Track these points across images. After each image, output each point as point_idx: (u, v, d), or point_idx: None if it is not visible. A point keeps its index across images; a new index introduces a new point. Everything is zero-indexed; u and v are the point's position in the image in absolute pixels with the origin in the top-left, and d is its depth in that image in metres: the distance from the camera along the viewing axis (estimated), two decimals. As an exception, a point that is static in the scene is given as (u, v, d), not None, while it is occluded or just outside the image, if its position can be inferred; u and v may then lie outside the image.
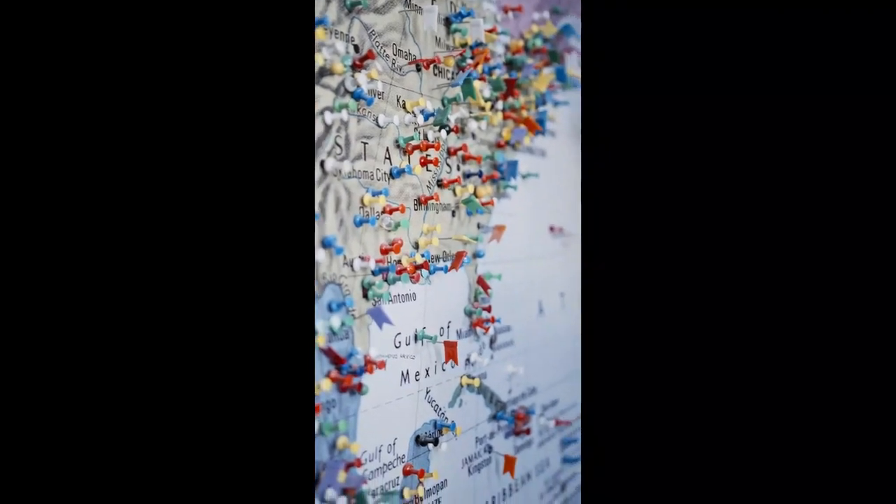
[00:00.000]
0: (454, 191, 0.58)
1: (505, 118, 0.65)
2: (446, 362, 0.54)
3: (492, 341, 0.62)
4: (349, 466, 0.44)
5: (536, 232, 0.71)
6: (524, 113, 0.67)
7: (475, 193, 0.61)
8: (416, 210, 0.53)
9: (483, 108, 0.60)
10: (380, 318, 0.45)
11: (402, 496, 0.50)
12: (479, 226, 0.61)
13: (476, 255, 0.60)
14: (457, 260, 0.54)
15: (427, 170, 0.55)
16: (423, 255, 0.52)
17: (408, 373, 0.51)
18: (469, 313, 0.59)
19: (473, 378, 0.58)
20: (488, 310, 0.60)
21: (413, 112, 0.52)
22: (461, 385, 0.58)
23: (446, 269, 0.54)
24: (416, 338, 0.52)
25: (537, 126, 0.65)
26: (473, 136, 0.61)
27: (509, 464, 0.61)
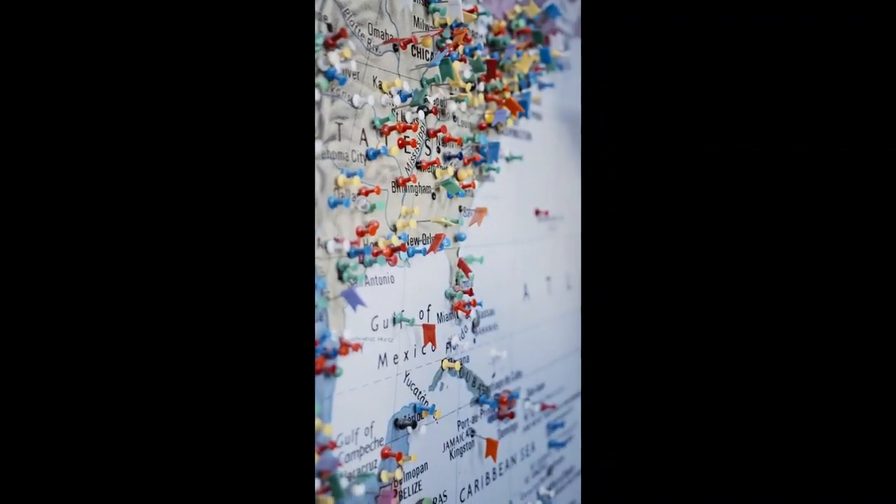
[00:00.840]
0: (434, 173, 0.58)
1: (487, 100, 0.65)
2: (425, 345, 0.54)
3: (474, 325, 0.62)
4: (323, 449, 0.44)
5: (521, 215, 0.70)
6: (507, 95, 0.66)
7: (456, 176, 0.60)
8: (393, 192, 0.53)
9: (463, 90, 0.60)
10: (353, 300, 0.45)
11: (379, 479, 0.50)
12: (460, 208, 0.61)
13: (457, 238, 0.60)
14: (435, 242, 0.54)
15: (405, 151, 0.55)
16: (400, 238, 0.51)
17: (386, 356, 0.51)
18: (450, 296, 0.59)
19: (454, 362, 0.58)
20: (469, 293, 0.60)
21: (390, 93, 0.52)
22: (442, 368, 0.58)
23: (425, 252, 0.54)
24: (394, 321, 0.52)
25: (520, 108, 0.65)
26: (454, 117, 0.61)
27: (491, 447, 0.61)
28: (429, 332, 0.53)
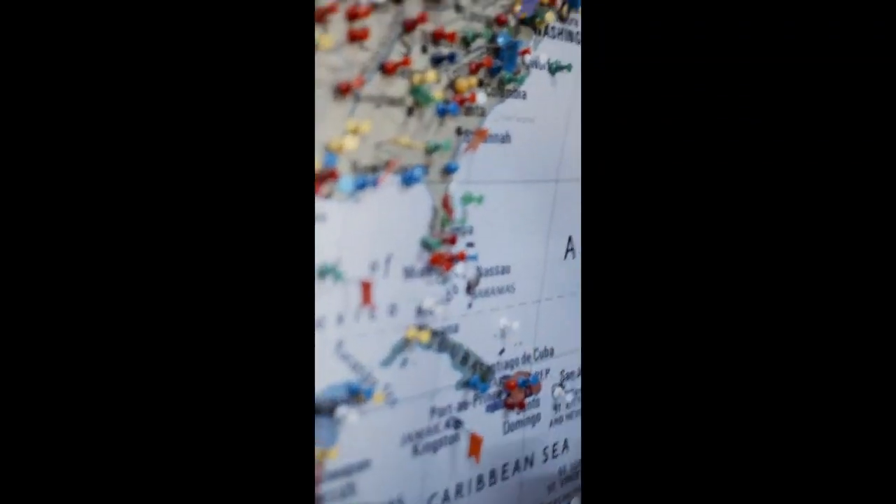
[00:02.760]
0: (411, 79, 0.44)
1: (519, -14, 0.50)
2: (363, 306, 0.42)
3: (469, 286, 0.49)
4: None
5: (569, 147, 0.55)
6: (549, -22, 0.51)
7: (453, 86, 0.47)
8: (335, 101, 0.41)
9: None
10: None
11: (276, 478, 0.39)
12: (458, 131, 0.47)
13: (447, 170, 0.47)
14: (386, 171, 0.41)
15: (361, 48, 0.42)
16: (324, 162, 0.39)
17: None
18: (426, 246, 0.46)
19: (423, 330, 0.46)
20: (452, 241, 0.46)
21: (329, -38, 0.39)
22: (406, 339, 0.45)
23: (374, 182, 0.42)
24: (320, 273, 0.40)
25: (559, -5, 0.49)
26: (458, 7, 0.47)
27: (474, 445, 0.48)
28: (366, 292, 0.41)
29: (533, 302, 0.54)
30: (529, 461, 0.55)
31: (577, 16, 0.53)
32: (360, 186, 0.42)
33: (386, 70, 0.42)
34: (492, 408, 0.51)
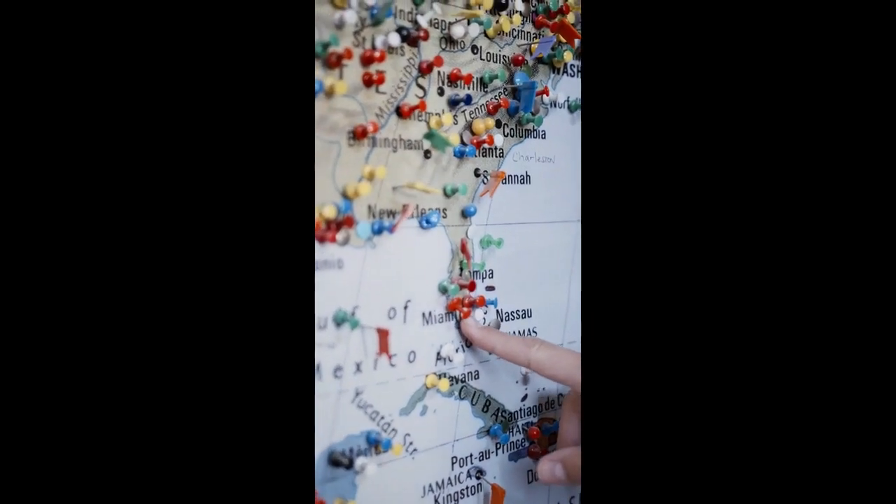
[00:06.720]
0: (428, 122, 0.45)
1: (537, 25, 0.51)
2: (379, 356, 0.42)
3: (489, 330, 0.49)
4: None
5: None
6: (567, 17, 0.52)
7: (471, 128, 0.47)
8: (350, 146, 0.42)
9: (468, 6, 0.46)
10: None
11: (293, 533, 0.39)
12: (476, 173, 0.48)
13: (465, 214, 0.47)
14: (401, 216, 0.42)
15: (377, 91, 0.43)
16: (339, 209, 0.40)
17: (320, 366, 0.41)
18: (444, 291, 0.46)
19: (442, 378, 0.46)
20: (471, 287, 0.47)
21: (345, 5, 0.40)
22: (426, 387, 0.46)
23: (390, 229, 0.42)
24: (336, 321, 0.41)
25: (576, 34, 0.50)
26: (475, 48, 0.48)
27: (496, 497, 0.48)
28: (383, 340, 0.41)
29: (561, 345, 0.54)
30: (556, 512, 0.54)
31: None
32: (377, 232, 0.42)
33: (402, 113, 0.44)
34: (514, 456, 0.51)
